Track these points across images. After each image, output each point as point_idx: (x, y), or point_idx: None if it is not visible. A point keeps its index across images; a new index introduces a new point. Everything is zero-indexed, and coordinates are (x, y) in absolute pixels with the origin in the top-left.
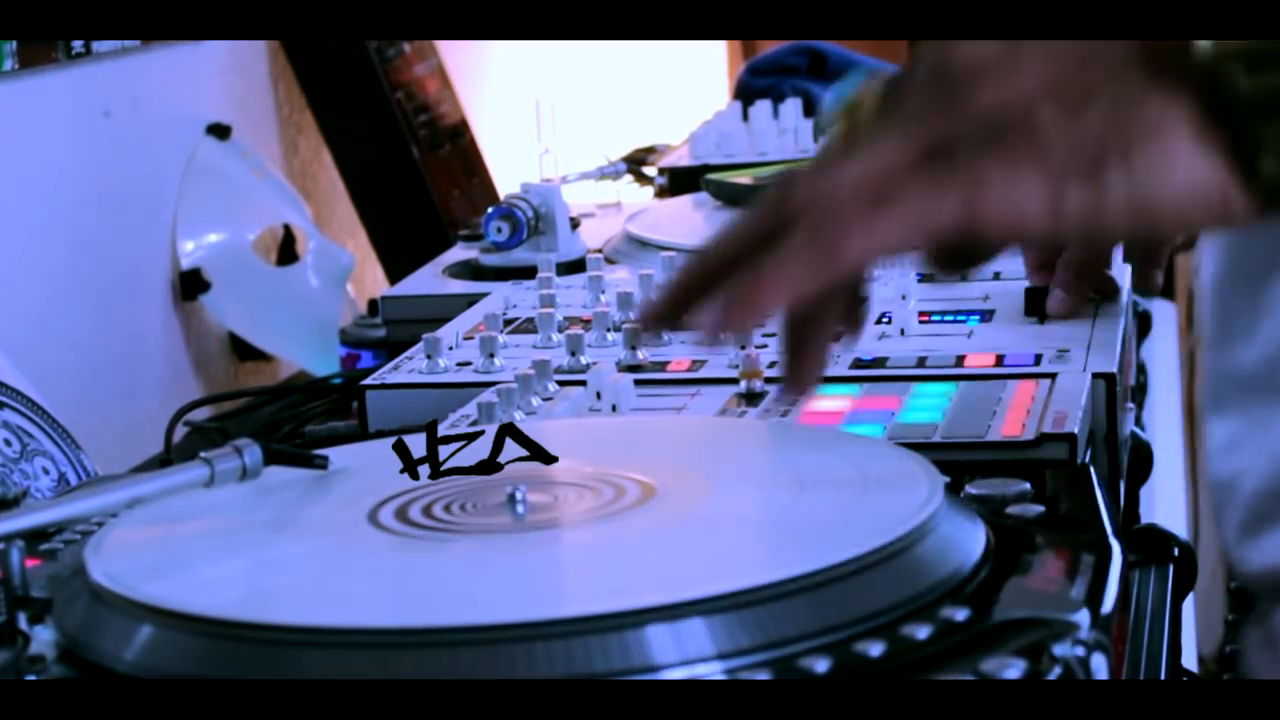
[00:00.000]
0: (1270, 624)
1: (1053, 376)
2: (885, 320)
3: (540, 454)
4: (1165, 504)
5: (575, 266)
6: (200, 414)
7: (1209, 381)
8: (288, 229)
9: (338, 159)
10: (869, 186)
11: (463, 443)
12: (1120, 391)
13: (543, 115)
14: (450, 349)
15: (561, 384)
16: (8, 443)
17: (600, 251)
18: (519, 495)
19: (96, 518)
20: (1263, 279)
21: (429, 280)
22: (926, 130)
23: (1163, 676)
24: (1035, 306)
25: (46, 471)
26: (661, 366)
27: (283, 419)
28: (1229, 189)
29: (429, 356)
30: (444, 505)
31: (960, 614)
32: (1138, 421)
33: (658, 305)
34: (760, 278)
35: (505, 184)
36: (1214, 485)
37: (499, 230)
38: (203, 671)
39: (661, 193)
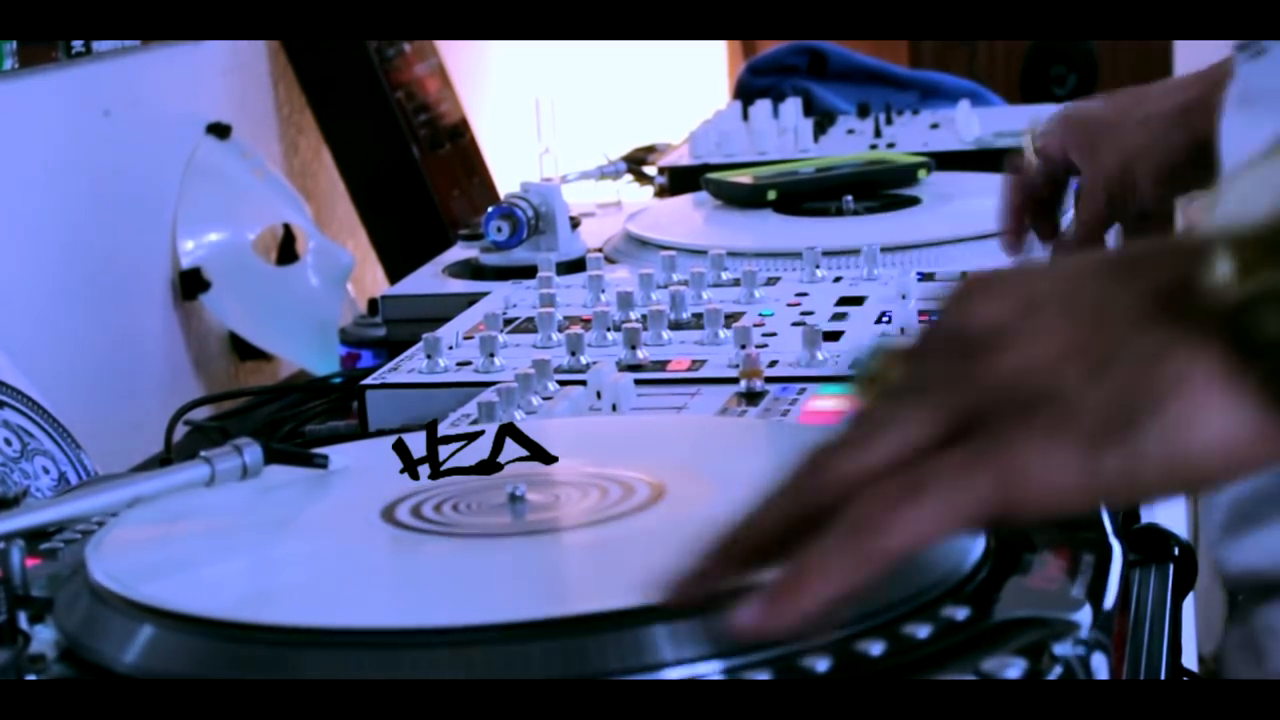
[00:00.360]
0: (1251, 624)
1: None
2: (885, 320)
3: (540, 454)
4: (1165, 504)
5: (575, 266)
6: (200, 413)
7: None
8: (288, 229)
9: (338, 159)
10: (899, 473)
11: (463, 443)
12: None
13: (543, 115)
14: (450, 349)
15: (561, 384)
16: (8, 442)
17: (600, 251)
18: (519, 495)
19: (96, 517)
20: None
21: (429, 280)
22: (952, 402)
23: (1163, 676)
24: None
25: (46, 471)
26: (661, 366)
27: (283, 419)
28: (1268, 434)
29: (429, 356)
30: (444, 505)
31: (960, 613)
32: None
33: (686, 583)
34: (801, 578)
35: (505, 184)
36: None
37: (499, 230)
38: (203, 672)
39: (661, 192)
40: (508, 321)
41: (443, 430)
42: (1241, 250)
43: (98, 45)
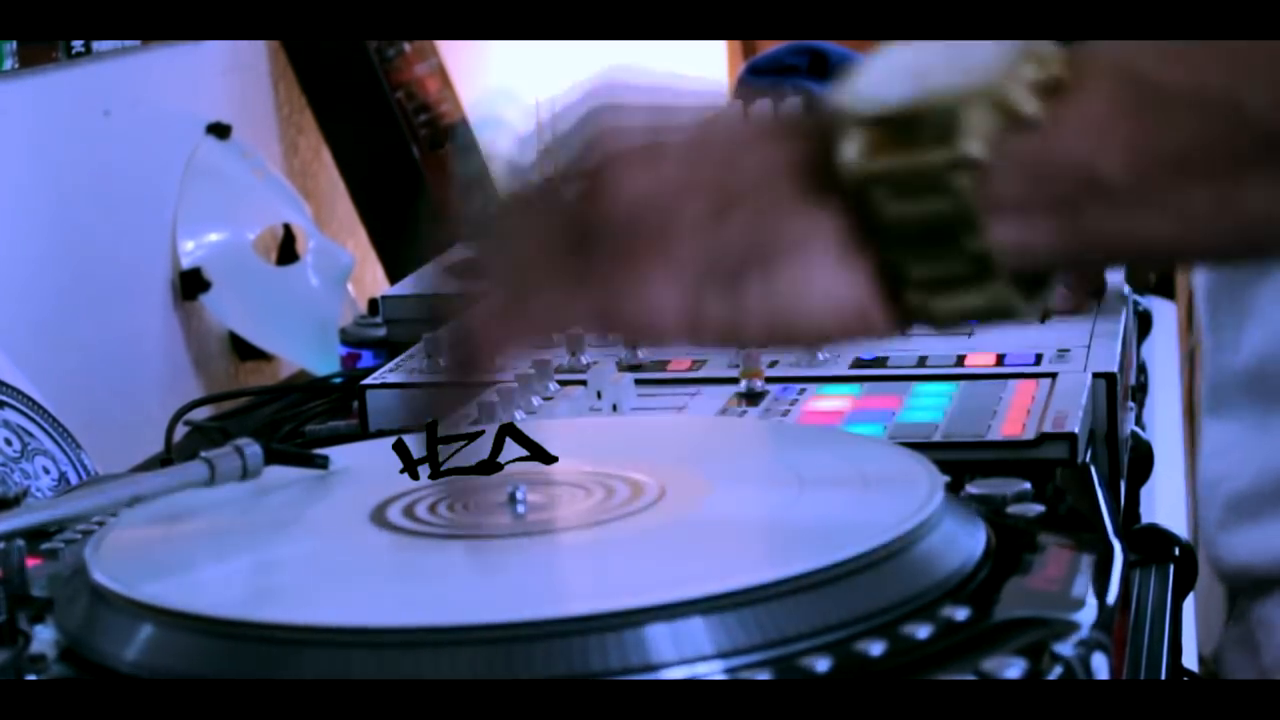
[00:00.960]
0: (1248, 620)
1: (1053, 376)
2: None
3: (540, 454)
4: (1165, 504)
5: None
6: (200, 413)
7: (1206, 385)
8: (288, 229)
9: (338, 159)
10: (509, 296)
11: (463, 443)
12: (1120, 391)
13: (542, 115)
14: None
15: (561, 384)
16: (8, 442)
17: None
18: (519, 495)
19: (97, 517)
20: (1245, 289)
21: (429, 280)
22: (571, 224)
23: (1163, 676)
24: None
25: (47, 471)
26: (661, 366)
27: (283, 419)
28: (867, 308)
29: (429, 356)
30: (444, 505)
31: (961, 613)
32: (1138, 421)
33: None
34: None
35: None
36: (1200, 484)
37: None
38: (203, 671)
39: None
40: None
41: (442, 430)
42: (869, 132)
43: (98, 45)
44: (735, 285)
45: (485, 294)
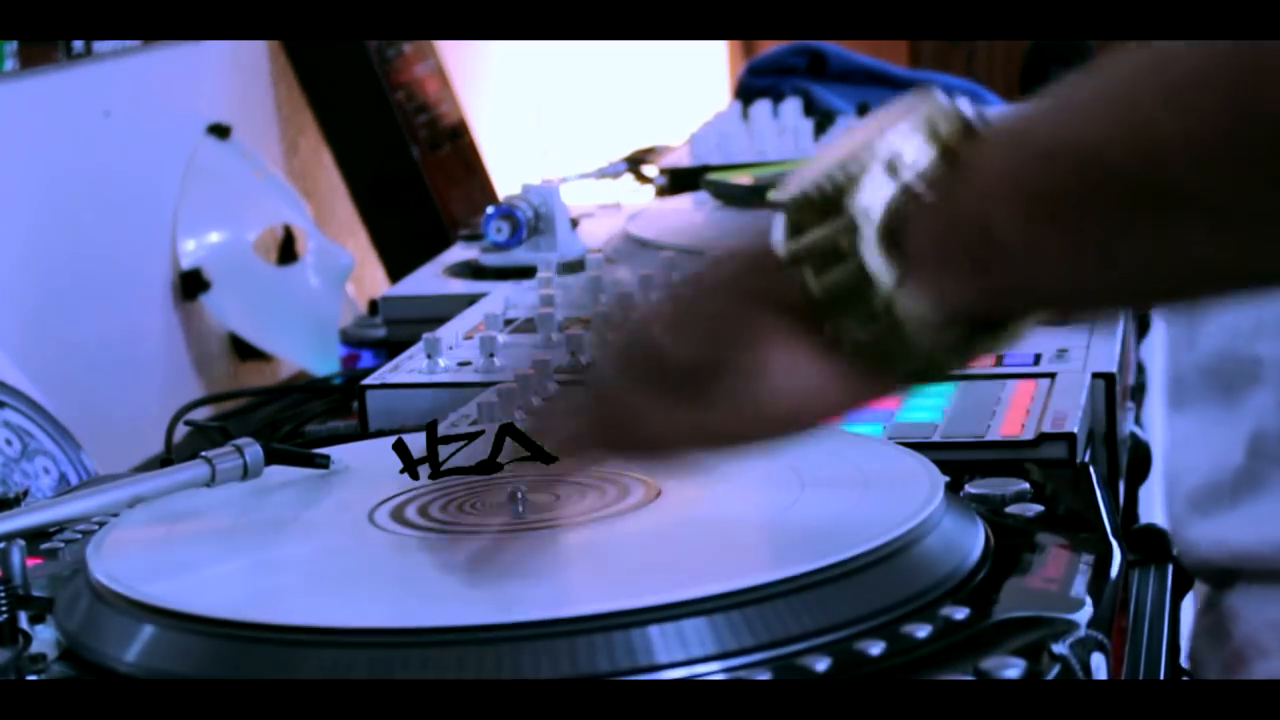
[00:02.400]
0: (1219, 610)
1: (1052, 376)
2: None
3: (540, 454)
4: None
5: (575, 266)
6: (201, 414)
7: (1168, 381)
8: (288, 229)
9: (338, 159)
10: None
11: (463, 443)
12: (1119, 391)
13: (542, 116)
14: (450, 349)
15: (561, 384)
16: (8, 442)
17: (600, 251)
18: (519, 495)
19: (97, 517)
20: None
21: (429, 280)
22: (588, 365)
23: (1161, 676)
24: None
25: (47, 471)
26: None
27: (283, 419)
28: (824, 383)
29: (429, 356)
30: (444, 505)
31: (960, 613)
32: (1137, 421)
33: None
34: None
35: (505, 184)
36: (1164, 478)
37: (499, 230)
38: (203, 671)
39: (661, 193)
40: (508, 322)
41: (442, 430)
42: (792, 217)
43: (98, 46)
44: (703, 390)
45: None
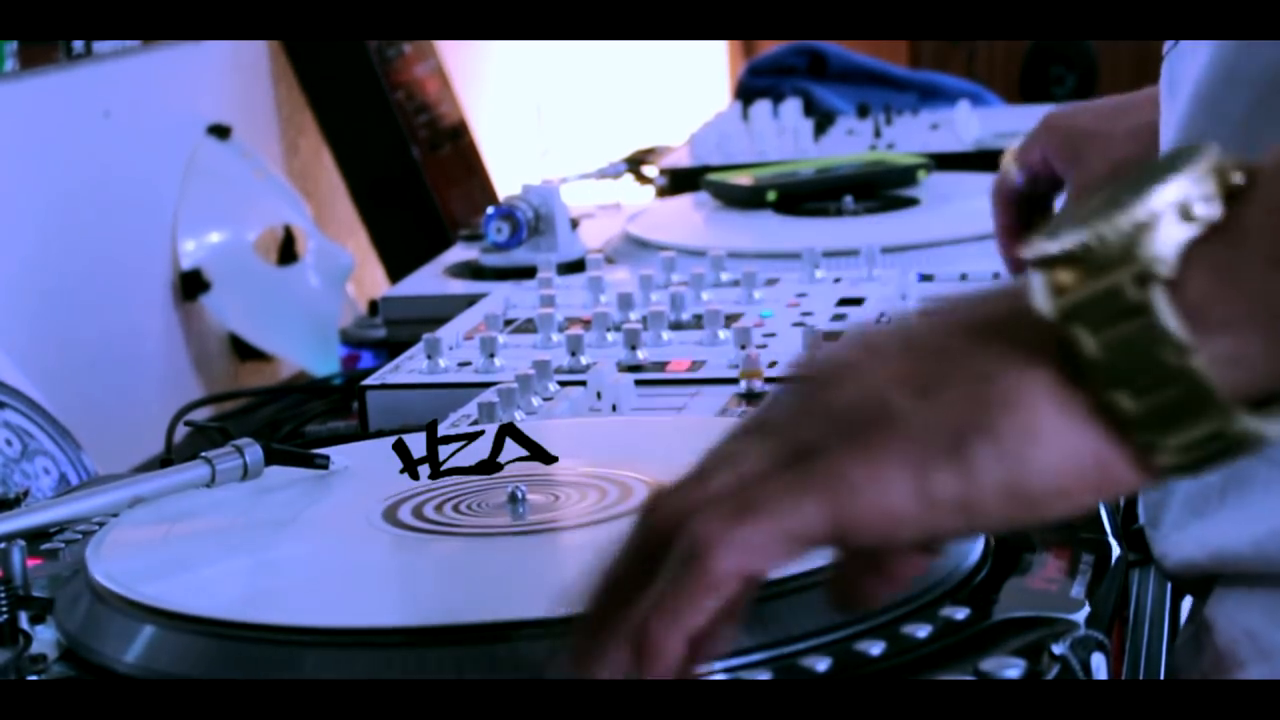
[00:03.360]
0: (1200, 617)
1: None
2: (885, 320)
3: (540, 454)
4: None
5: (575, 266)
6: (201, 414)
7: None
8: (288, 229)
9: (338, 159)
10: (731, 497)
11: (463, 443)
12: None
13: (542, 116)
14: (450, 349)
15: (561, 384)
16: (8, 443)
17: (600, 252)
18: (519, 495)
19: (97, 517)
20: None
21: (429, 280)
22: (787, 435)
23: (1161, 676)
24: None
25: (47, 471)
26: (661, 367)
27: (283, 419)
28: (1104, 457)
29: (429, 356)
30: (444, 505)
31: (960, 613)
32: None
33: (574, 658)
34: (646, 622)
35: (505, 184)
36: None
37: (499, 230)
38: (203, 672)
39: (662, 193)
40: (508, 322)
41: (443, 430)
42: (1053, 271)
43: (98, 46)
44: (962, 459)
45: (707, 503)
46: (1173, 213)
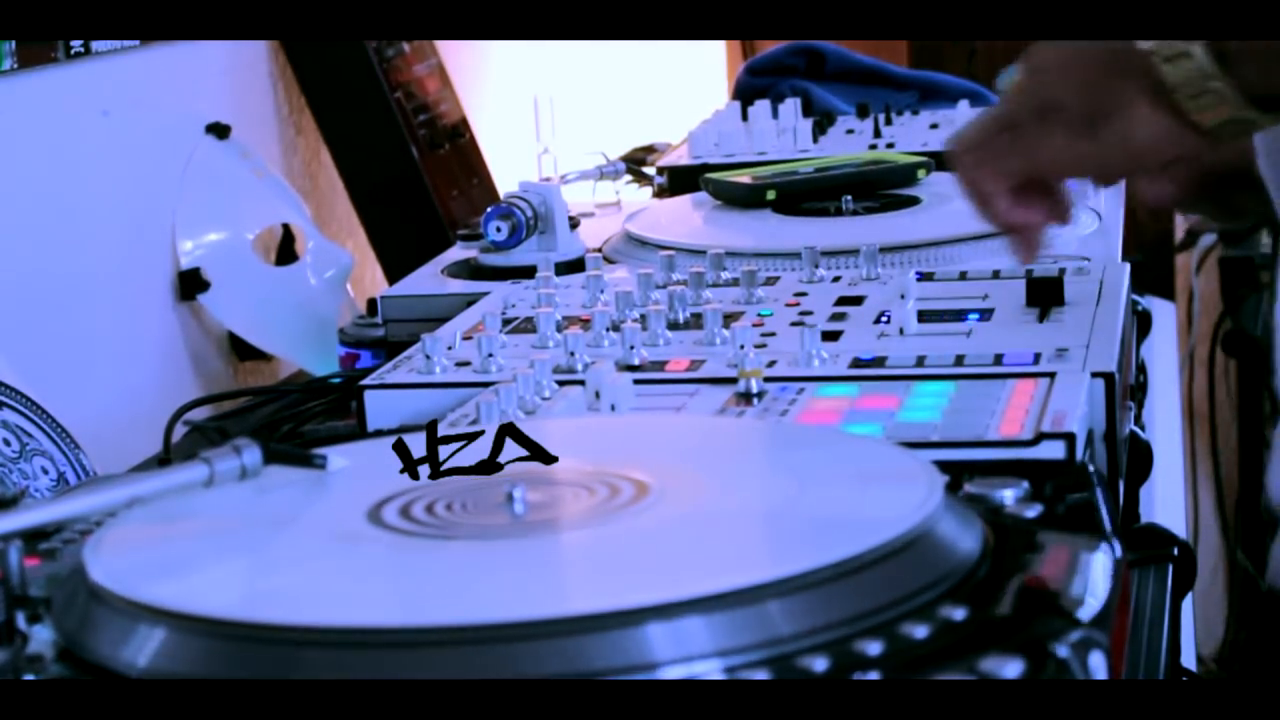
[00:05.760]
0: None
1: (1052, 375)
2: (884, 319)
3: (540, 454)
4: (1165, 504)
5: (575, 266)
6: (200, 413)
7: None
8: (287, 229)
9: (338, 159)
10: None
11: (463, 443)
12: (1119, 390)
13: (542, 115)
14: (449, 349)
15: (560, 384)
16: (7, 442)
17: (599, 251)
18: (518, 494)
19: (95, 517)
20: None
21: (428, 280)
22: (1010, 106)
23: (1162, 676)
24: (1037, 297)
25: (45, 471)
26: (660, 366)
27: (282, 419)
28: (1177, 135)
29: (428, 356)
30: (443, 505)
31: (959, 613)
32: (1137, 421)
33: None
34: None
35: (505, 184)
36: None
37: (498, 230)
38: (201, 671)
39: (661, 192)
40: (507, 322)
41: (442, 430)
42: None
43: (97, 45)
44: (1097, 133)
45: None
46: None
